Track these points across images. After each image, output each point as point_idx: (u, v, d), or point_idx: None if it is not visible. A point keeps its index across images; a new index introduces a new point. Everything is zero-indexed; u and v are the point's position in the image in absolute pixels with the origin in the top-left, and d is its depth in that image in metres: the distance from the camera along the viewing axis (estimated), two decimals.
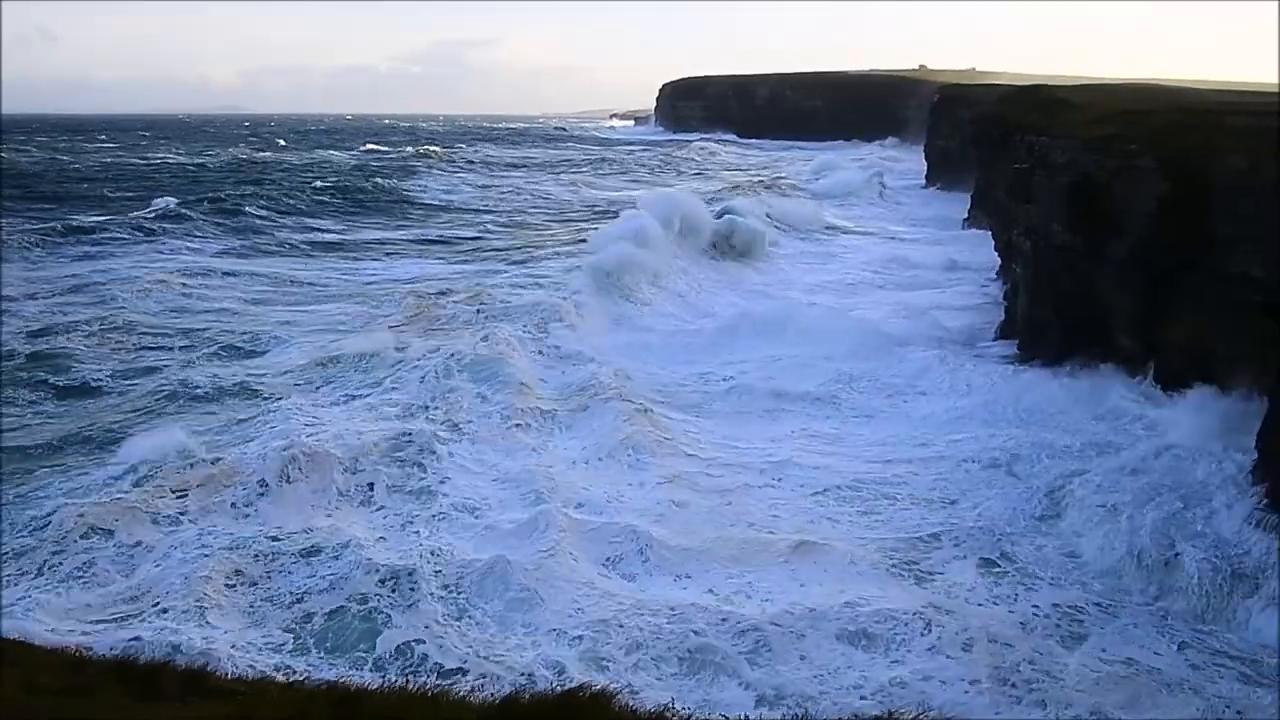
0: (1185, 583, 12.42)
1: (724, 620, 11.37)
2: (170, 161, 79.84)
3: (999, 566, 13.07)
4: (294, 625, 11.17)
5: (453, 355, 20.34)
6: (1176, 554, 12.80)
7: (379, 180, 59.91)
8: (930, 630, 11.22)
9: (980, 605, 12.04)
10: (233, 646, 10.47)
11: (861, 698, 10.13)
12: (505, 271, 32.31)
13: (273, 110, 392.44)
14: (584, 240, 35.58)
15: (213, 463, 14.64)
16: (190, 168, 73.20)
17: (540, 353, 21.81)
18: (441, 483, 14.88)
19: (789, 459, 16.44)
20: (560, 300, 25.26)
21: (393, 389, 19.01)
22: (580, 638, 11.10)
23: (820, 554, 13.13)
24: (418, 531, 13.37)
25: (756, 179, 60.21)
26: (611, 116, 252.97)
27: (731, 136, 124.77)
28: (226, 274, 31.52)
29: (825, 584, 12.39)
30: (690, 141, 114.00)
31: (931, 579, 12.69)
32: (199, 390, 18.90)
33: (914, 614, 11.49)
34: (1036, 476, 15.48)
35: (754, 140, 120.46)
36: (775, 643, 11.04)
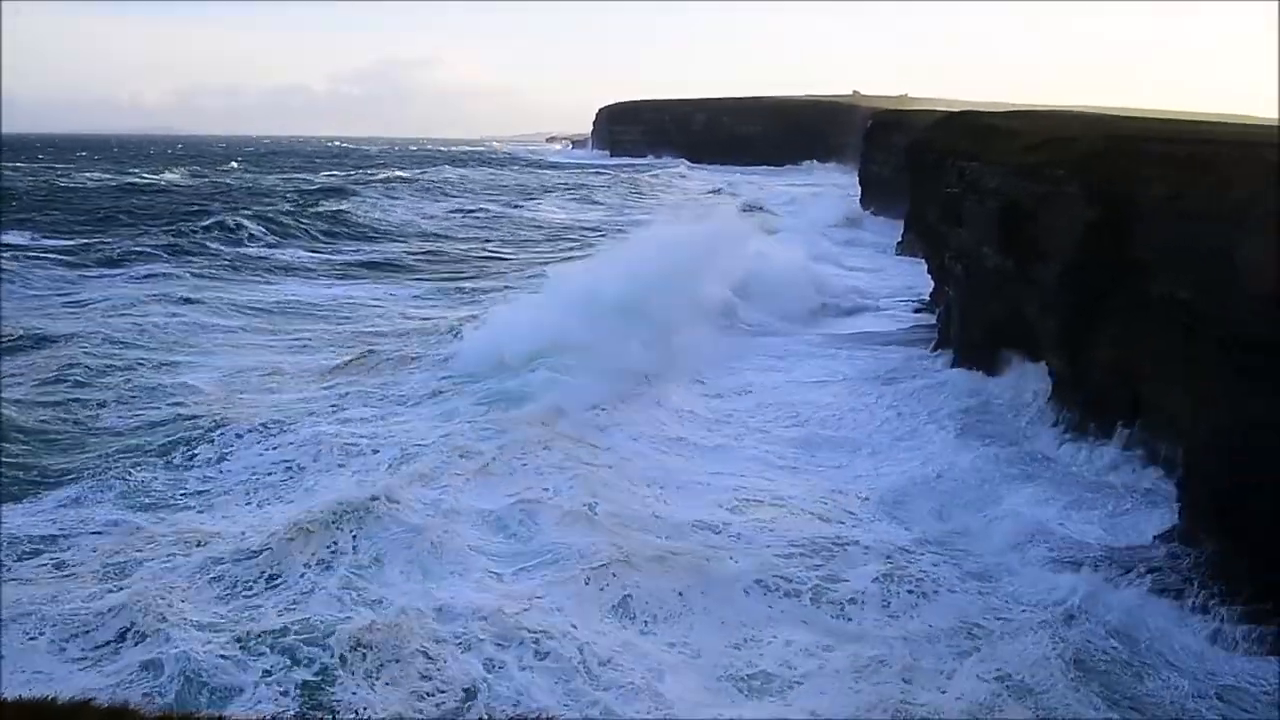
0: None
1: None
2: (119, 184, 77.39)
3: (895, 582, 12.99)
4: None
5: (400, 397, 20.03)
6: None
7: (347, 207, 57.99)
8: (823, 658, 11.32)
9: (874, 621, 12.10)
10: None
11: None
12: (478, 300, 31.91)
13: (208, 131, 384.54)
14: None
15: None
16: (137, 189, 71.28)
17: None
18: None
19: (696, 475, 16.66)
20: None
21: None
22: None
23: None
24: None
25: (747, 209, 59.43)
26: (548, 140, 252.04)
27: (684, 162, 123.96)
28: (188, 303, 30.13)
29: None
30: (641, 166, 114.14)
31: (829, 593, 12.73)
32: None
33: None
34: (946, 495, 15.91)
35: (699, 165, 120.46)
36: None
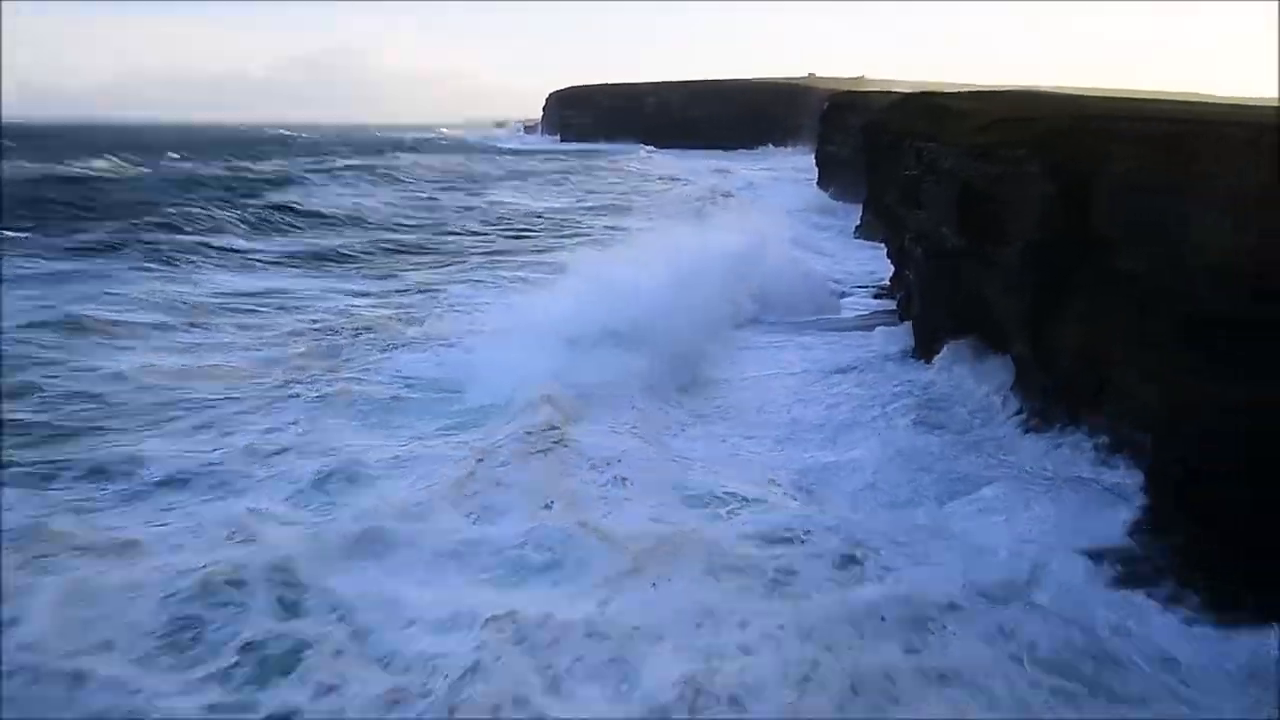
0: None
1: None
2: (48, 174, 74.00)
3: (857, 564, 12.91)
4: None
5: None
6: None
7: (293, 196, 56.23)
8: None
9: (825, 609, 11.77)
10: None
11: None
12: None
13: (145, 117, 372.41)
14: None
15: None
16: (69, 180, 68.59)
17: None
18: None
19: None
20: None
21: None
22: None
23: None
24: None
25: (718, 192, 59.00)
26: (497, 125, 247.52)
27: (642, 146, 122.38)
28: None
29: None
30: (597, 150, 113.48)
31: (783, 585, 12.42)
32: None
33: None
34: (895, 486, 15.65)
35: (661, 149, 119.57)
36: None
